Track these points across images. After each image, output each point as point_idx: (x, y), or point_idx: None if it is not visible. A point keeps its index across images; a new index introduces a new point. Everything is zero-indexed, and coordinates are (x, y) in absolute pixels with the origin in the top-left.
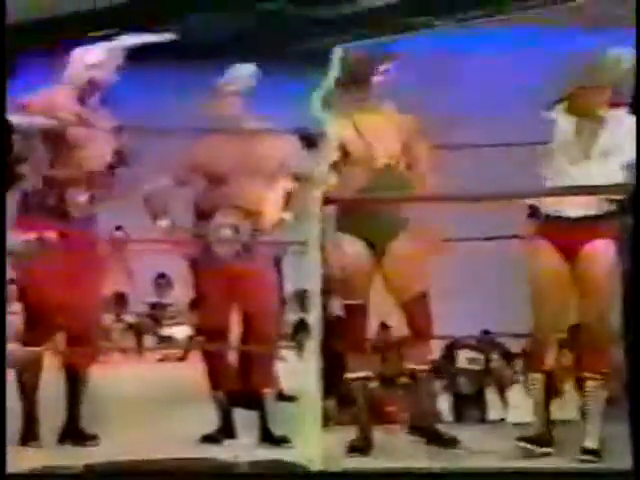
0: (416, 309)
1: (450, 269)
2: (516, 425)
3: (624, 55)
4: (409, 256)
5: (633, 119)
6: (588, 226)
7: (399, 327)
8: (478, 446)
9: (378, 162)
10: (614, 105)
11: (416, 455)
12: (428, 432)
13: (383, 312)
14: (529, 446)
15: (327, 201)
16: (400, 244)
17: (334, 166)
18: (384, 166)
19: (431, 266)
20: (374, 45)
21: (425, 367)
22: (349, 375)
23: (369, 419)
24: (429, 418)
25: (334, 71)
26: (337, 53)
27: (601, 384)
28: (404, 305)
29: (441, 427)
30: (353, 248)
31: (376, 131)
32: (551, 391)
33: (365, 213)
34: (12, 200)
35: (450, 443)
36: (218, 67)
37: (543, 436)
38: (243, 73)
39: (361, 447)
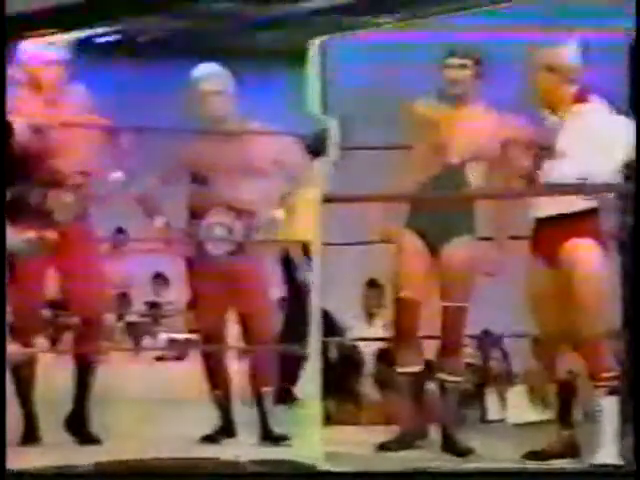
0: (452, 319)
1: None
2: (515, 426)
3: (570, 47)
4: (459, 261)
5: (598, 115)
6: (562, 225)
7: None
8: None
9: (450, 159)
10: (579, 101)
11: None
12: (445, 440)
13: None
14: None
15: (326, 200)
16: (455, 247)
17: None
18: (453, 164)
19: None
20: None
21: (456, 379)
22: (399, 370)
23: (418, 414)
24: (449, 427)
25: (313, 67)
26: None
27: (604, 389)
28: (443, 310)
29: (458, 436)
30: (412, 243)
31: (460, 127)
32: (568, 398)
33: (428, 210)
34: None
35: (464, 453)
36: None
37: (555, 447)
38: (210, 72)
39: (400, 445)
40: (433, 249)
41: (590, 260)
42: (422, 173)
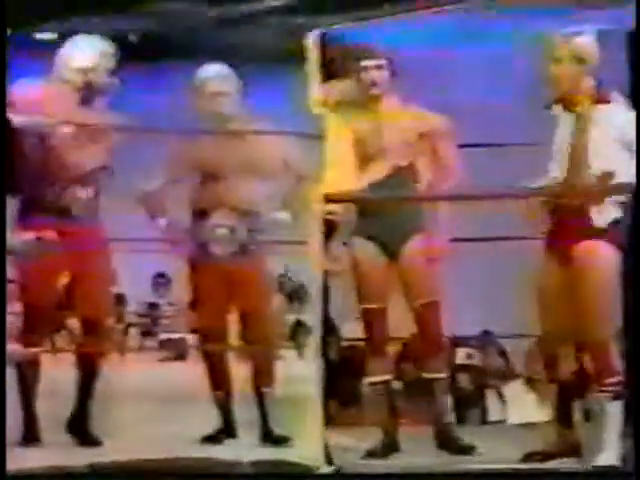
0: (427, 316)
1: (449, 269)
2: (517, 426)
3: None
4: (422, 260)
5: (621, 115)
6: (577, 224)
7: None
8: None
9: (390, 161)
10: (599, 102)
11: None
12: (443, 439)
13: (397, 317)
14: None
15: (327, 200)
16: (413, 247)
17: (342, 164)
18: (395, 165)
19: (444, 273)
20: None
21: (442, 376)
22: (369, 379)
23: (392, 422)
24: (446, 425)
25: (312, 65)
26: (311, 44)
27: (610, 394)
28: (415, 311)
29: (456, 434)
30: (366, 251)
31: (389, 128)
32: (569, 399)
33: (377, 215)
34: (12, 200)
35: (466, 451)
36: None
37: (554, 446)
38: (215, 72)
39: (383, 451)
40: (390, 253)
41: (606, 264)
42: (366, 179)
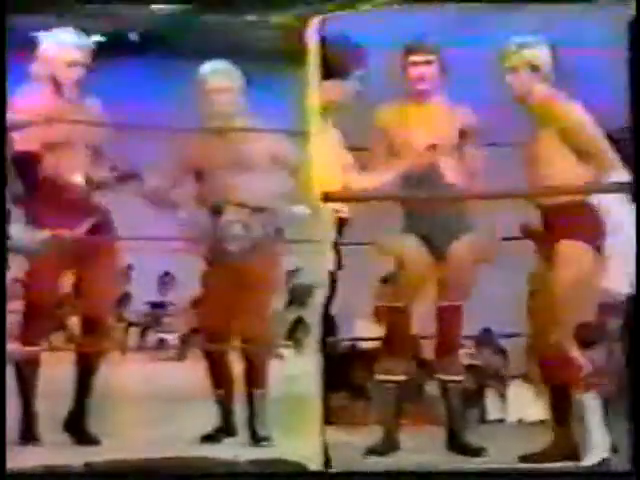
0: (452, 318)
1: None
2: (516, 425)
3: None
4: (469, 261)
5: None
6: (558, 225)
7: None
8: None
9: (422, 157)
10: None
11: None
12: (454, 440)
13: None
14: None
15: (328, 198)
16: (460, 247)
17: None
18: (428, 161)
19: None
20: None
21: (459, 378)
22: (381, 377)
23: (397, 422)
24: (457, 427)
25: (314, 65)
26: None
27: (582, 390)
28: (440, 311)
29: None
30: (412, 248)
31: (423, 125)
32: (564, 399)
33: (425, 213)
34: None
35: (476, 452)
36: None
37: (551, 447)
38: (217, 69)
39: (384, 449)
40: (437, 253)
41: (572, 263)
42: (400, 173)
